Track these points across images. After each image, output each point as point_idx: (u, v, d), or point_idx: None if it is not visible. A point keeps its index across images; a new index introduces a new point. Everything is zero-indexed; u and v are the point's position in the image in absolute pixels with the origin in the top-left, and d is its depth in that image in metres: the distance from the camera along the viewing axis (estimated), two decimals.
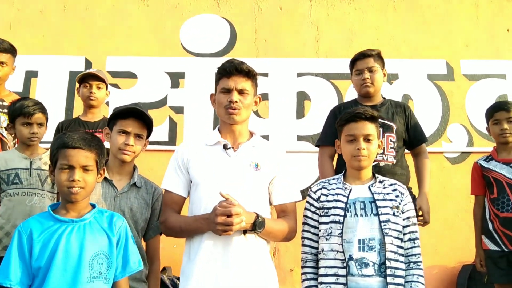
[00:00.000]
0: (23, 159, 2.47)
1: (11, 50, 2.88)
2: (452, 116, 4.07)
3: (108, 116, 2.30)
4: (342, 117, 2.15)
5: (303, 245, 2.08)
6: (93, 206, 1.83)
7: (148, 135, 2.25)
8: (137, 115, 2.15)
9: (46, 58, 4.05)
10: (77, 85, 3.09)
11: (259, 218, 1.86)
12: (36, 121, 2.47)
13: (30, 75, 4.00)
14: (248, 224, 1.82)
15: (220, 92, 2.01)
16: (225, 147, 1.99)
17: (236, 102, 1.96)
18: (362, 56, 2.70)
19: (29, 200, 2.41)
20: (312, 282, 2.00)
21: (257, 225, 1.84)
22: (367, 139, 2.05)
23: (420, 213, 2.55)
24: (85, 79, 2.97)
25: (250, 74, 2.00)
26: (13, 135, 2.81)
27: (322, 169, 2.69)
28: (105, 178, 2.12)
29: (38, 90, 3.98)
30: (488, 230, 2.77)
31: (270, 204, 2.04)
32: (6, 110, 2.79)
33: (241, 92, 1.98)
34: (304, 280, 2.03)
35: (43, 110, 2.51)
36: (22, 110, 2.44)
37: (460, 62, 4.15)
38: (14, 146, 2.79)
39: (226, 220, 1.75)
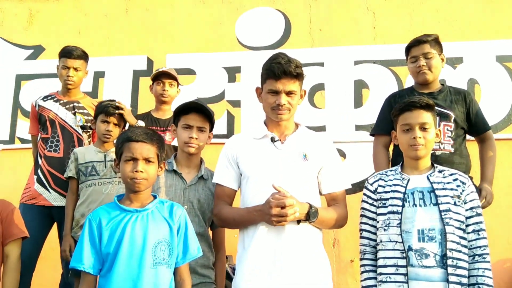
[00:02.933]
0: (98, 152, 2.74)
1: (84, 56, 3.11)
2: None
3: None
4: (396, 107, 2.12)
5: (361, 237, 2.07)
6: (155, 196, 1.93)
7: (211, 127, 2.35)
8: (198, 110, 2.25)
9: (111, 58, 4.30)
10: (147, 83, 3.27)
11: (312, 208, 1.89)
12: (113, 121, 2.75)
13: (98, 75, 4.26)
14: (302, 214, 1.86)
15: (267, 92, 2.02)
16: (272, 139, 2.02)
17: (284, 104, 1.98)
18: (417, 42, 2.60)
19: (105, 189, 2.66)
20: (371, 274, 1.99)
21: (310, 215, 1.87)
22: (423, 127, 2.01)
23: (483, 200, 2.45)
24: (158, 77, 3.13)
25: (298, 76, 1.99)
26: (88, 134, 3.06)
27: (376, 158, 2.64)
28: (175, 171, 2.26)
29: (105, 89, 4.24)
30: None
31: (320, 193, 2.06)
32: (81, 111, 3.06)
33: (289, 93, 1.99)
34: (363, 272, 2.02)
35: (122, 114, 2.77)
36: (105, 109, 2.74)
37: None
38: (89, 143, 3.04)
39: (281, 212, 1.79)
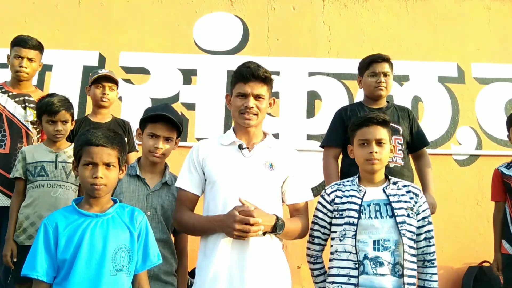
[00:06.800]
0: (49, 152, 2.55)
1: (39, 47, 2.91)
2: (462, 119, 4.10)
3: (140, 117, 2.31)
4: (354, 122, 2.19)
5: (313, 243, 2.16)
6: (115, 201, 1.87)
7: (179, 134, 2.30)
8: (166, 119, 2.20)
9: (60, 52, 4.08)
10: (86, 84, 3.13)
11: (279, 220, 1.90)
12: (60, 118, 2.54)
13: (45, 68, 3.99)
14: (268, 227, 1.87)
15: (236, 96, 2.04)
16: (240, 147, 2.02)
17: (252, 107, 2.00)
18: (380, 59, 2.74)
19: (54, 192, 2.48)
20: (324, 277, 2.13)
21: (277, 227, 1.89)
22: (379, 142, 2.09)
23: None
24: (98, 80, 2.97)
25: (266, 80, 2.03)
26: (37, 130, 2.87)
27: (327, 170, 2.72)
28: (138, 177, 2.20)
29: (52, 83, 4.02)
30: (510, 235, 2.78)
31: (283, 202, 2.09)
32: (32, 105, 2.86)
33: (257, 97, 2.02)
34: (317, 275, 2.16)
35: (68, 108, 2.57)
36: (47, 108, 2.51)
37: (471, 65, 4.17)
38: (38, 140, 2.86)
39: (244, 227, 1.79)
